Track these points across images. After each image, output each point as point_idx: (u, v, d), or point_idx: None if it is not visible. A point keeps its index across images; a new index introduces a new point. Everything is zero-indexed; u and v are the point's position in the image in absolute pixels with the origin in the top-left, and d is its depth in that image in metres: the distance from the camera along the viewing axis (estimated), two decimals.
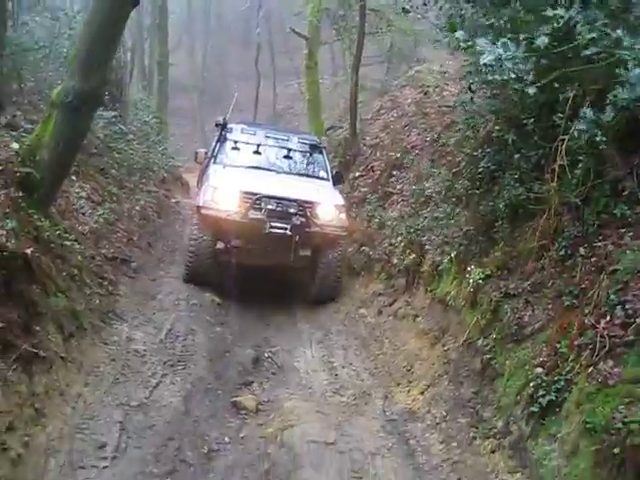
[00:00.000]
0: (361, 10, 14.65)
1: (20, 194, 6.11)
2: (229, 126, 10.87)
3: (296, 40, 21.41)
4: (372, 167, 12.80)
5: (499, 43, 3.30)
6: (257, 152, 10.37)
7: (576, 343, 4.57)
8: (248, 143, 10.56)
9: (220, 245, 9.19)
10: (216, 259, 9.29)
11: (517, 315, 5.49)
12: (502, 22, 4.86)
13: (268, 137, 10.89)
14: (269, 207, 9.04)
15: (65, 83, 6.76)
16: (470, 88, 6.90)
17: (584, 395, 4.21)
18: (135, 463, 4.85)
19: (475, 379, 5.83)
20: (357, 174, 13.25)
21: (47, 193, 6.72)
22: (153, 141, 16.84)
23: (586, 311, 4.66)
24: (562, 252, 5.34)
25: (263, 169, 10.24)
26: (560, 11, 3.54)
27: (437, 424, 5.78)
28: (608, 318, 4.41)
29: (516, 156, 6.26)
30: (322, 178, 10.71)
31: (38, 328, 5.26)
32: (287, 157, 10.70)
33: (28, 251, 5.41)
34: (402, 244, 9.09)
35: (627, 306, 4.33)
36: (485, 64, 3.41)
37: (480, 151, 7.32)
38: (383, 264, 9.66)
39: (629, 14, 3.85)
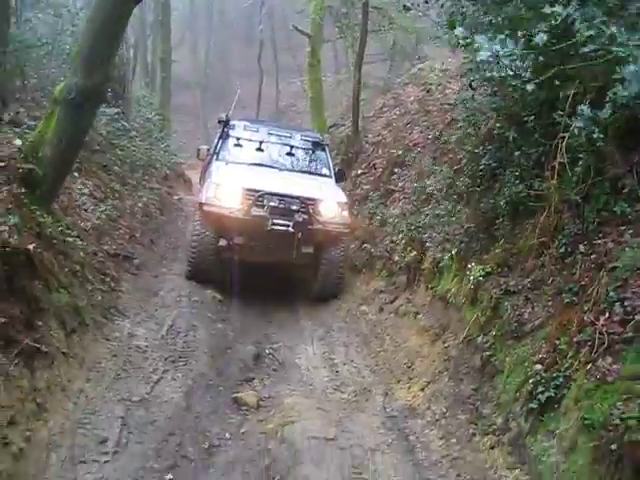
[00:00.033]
0: (364, 8, 14.68)
1: (23, 190, 6.13)
2: (232, 123, 10.88)
3: (299, 37, 21.43)
4: (374, 165, 12.81)
5: (496, 40, 3.31)
6: (260, 149, 10.36)
7: (575, 340, 4.58)
8: (251, 140, 10.54)
9: (222, 242, 9.18)
10: (218, 256, 9.28)
11: (517, 312, 5.50)
12: (500, 19, 4.86)
13: (271, 134, 10.89)
14: (271, 204, 9.02)
15: (68, 80, 6.77)
16: (471, 85, 6.91)
17: (583, 391, 4.23)
18: (136, 458, 4.88)
19: (475, 376, 5.84)
20: (359, 172, 13.28)
21: (49, 189, 6.73)
22: (156, 138, 16.85)
23: (585, 308, 4.67)
24: (562, 249, 5.34)
25: (265, 166, 10.23)
26: (558, 8, 3.55)
27: (437, 420, 5.81)
28: (607, 315, 4.42)
29: (516, 153, 6.27)
30: (325, 175, 10.70)
31: (40, 323, 5.30)
32: (290, 154, 10.67)
33: (30, 247, 5.43)
34: (403, 241, 9.12)
35: (626, 303, 4.34)
36: (482, 61, 3.43)
37: (481, 148, 7.33)
38: (384, 261, 9.68)
39: (625, 11, 3.86)
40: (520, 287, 5.68)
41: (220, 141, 10.70)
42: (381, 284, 9.47)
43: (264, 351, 7.68)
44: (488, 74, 4.11)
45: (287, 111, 34.40)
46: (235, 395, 6.37)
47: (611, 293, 4.48)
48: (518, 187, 6.13)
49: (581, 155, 5.15)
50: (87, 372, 5.83)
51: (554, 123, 5.30)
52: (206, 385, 6.45)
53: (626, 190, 4.94)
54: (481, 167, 7.21)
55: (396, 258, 9.15)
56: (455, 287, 7.07)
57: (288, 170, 10.40)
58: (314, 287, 9.84)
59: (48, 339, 5.35)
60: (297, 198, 9.20)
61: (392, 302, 8.80)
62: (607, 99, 4.02)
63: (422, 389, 6.44)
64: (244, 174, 9.73)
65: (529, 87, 3.71)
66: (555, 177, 5.35)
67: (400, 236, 9.30)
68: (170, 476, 4.79)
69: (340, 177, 11.03)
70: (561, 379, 4.53)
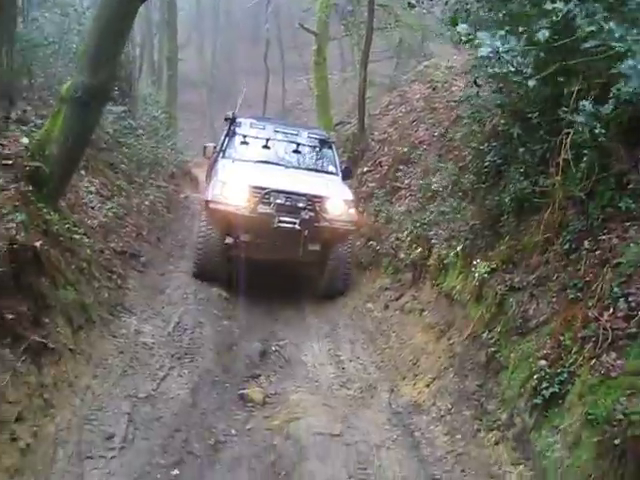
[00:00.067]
0: (369, 5, 14.66)
1: (30, 188, 6.15)
2: (238, 120, 10.86)
3: (305, 36, 21.43)
4: (380, 162, 12.81)
5: (497, 36, 3.32)
6: (266, 146, 10.37)
7: (579, 336, 4.58)
8: (257, 137, 10.56)
9: (229, 240, 9.18)
10: (225, 254, 9.28)
11: (522, 308, 5.50)
12: (500, 15, 4.86)
13: (277, 131, 10.89)
14: (278, 201, 9.02)
15: (74, 78, 6.80)
16: (475, 82, 6.91)
17: (586, 387, 4.24)
18: (142, 454, 4.90)
19: (480, 372, 5.85)
20: (365, 169, 13.27)
21: (56, 187, 6.76)
22: (162, 136, 16.90)
23: (590, 304, 4.67)
24: (567, 246, 5.33)
25: (272, 163, 10.26)
26: (559, 4, 3.56)
27: (442, 417, 5.82)
28: (611, 311, 4.42)
29: (521, 150, 6.25)
30: (331, 173, 10.71)
31: (47, 320, 5.33)
32: (296, 152, 10.67)
33: (37, 244, 5.46)
34: (409, 239, 9.13)
35: (630, 299, 4.34)
36: (482, 57, 3.44)
37: (486, 145, 7.32)
38: (390, 259, 9.69)
39: (625, 7, 3.87)
40: (525, 283, 5.68)
41: (226, 139, 10.69)
42: (387, 281, 9.47)
43: (270, 348, 7.71)
44: (490, 70, 4.11)
45: (293, 109, 34.34)
46: (241, 392, 6.40)
47: (615, 289, 4.48)
48: (523, 184, 6.11)
49: (585, 151, 5.14)
50: (94, 368, 5.86)
51: (558, 119, 5.30)
52: (212, 382, 6.48)
53: (631, 186, 4.92)
54: (486, 164, 7.20)
55: (402, 255, 9.16)
56: (460, 284, 7.08)
57: (294, 168, 10.40)
58: (321, 285, 9.84)
59: (55, 336, 5.38)
60: (304, 195, 9.20)
61: (398, 299, 8.81)
62: (611, 95, 4.02)
63: (427, 385, 6.45)
64: (250, 171, 9.73)
65: (531, 83, 3.73)
66: (560, 173, 5.34)
67: (405, 233, 9.30)
68: (176, 472, 4.82)
69: (347, 175, 11.03)
70: (565, 375, 4.53)
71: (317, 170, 10.66)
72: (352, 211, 9.59)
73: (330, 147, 11.22)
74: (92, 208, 8.65)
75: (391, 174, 11.72)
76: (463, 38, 3.71)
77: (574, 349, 4.59)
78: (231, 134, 10.68)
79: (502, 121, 6.96)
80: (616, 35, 3.27)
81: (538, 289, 5.49)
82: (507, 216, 6.49)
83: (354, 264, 10.21)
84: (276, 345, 7.83)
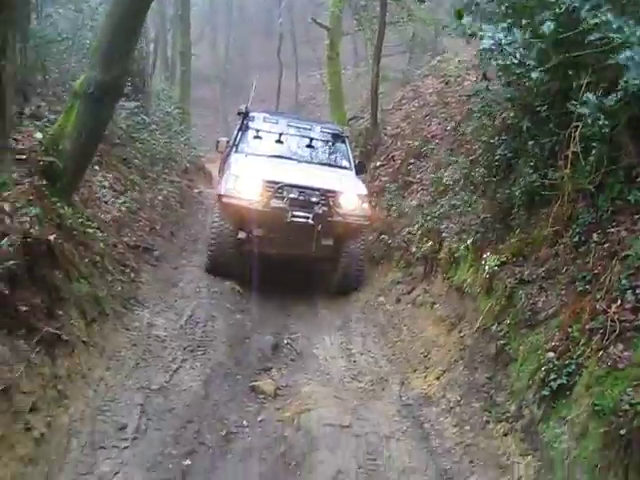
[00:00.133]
0: (382, 0, 14.64)
1: (43, 182, 6.24)
2: (251, 114, 10.85)
3: (318, 30, 21.41)
4: (393, 156, 12.83)
5: (499, 28, 3.34)
6: (279, 141, 10.31)
7: (587, 328, 4.60)
8: (270, 132, 10.49)
9: (242, 234, 9.14)
10: (238, 249, 9.25)
11: (531, 301, 5.52)
12: (504, 8, 4.87)
13: (290, 126, 10.85)
14: (291, 196, 9.00)
15: (87, 74, 6.86)
16: (485, 76, 6.91)
17: (594, 378, 4.26)
18: (155, 444, 4.97)
19: (489, 364, 5.87)
20: (378, 164, 13.29)
21: (70, 182, 6.83)
22: (175, 131, 16.93)
23: (598, 296, 4.69)
24: (576, 238, 5.35)
25: (285, 158, 10.21)
26: None
27: (451, 408, 5.85)
28: (619, 303, 4.44)
29: (531, 143, 6.26)
30: (345, 167, 10.67)
31: (61, 313, 5.38)
32: (309, 146, 10.64)
33: (51, 237, 5.51)
34: (420, 232, 9.14)
35: (638, 291, 4.37)
36: (485, 49, 3.46)
37: (497, 139, 7.32)
38: (402, 252, 9.69)
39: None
40: (534, 276, 5.70)
41: (239, 133, 10.69)
42: (398, 275, 9.49)
43: (282, 341, 7.74)
44: (493, 62, 4.13)
45: (306, 104, 34.38)
46: (253, 384, 6.44)
47: (623, 281, 4.50)
48: (532, 177, 6.12)
49: (594, 144, 5.15)
50: (107, 361, 5.93)
51: (567, 112, 5.30)
52: (224, 374, 6.52)
53: None
54: (497, 157, 7.21)
55: (413, 249, 9.17)
56: (471, 277, 7.10)
57: (308, 162, 10.39)
58: (334, 280, 9.81)
59: (69, 328, 5.43)
60: (317, 190, 9.17)
61: (409, 293, 8.83)
62: (619, 87, 4.03)
63: (437, 378, 6.48)
64: (263, 166, 9.70)
65: (534, 75, 3.74)
66: (569, 166, 5.35)
67: (417, 227, 9.32)
68: (188, 462, 4.88)
69: (360, 169, 11.01)
70: (573, 366, 4.55)
71: (330, 165, 10.64)
72: (366, 206, 9.55)
73: (343, 141, 11.15)
74: (105, 202, 8.73)
75: (403, 168, 11.73)
76: (467, 31, 3.73)
77: (582, 341, 4.61)
78: (244, 128, 10.67)
79: (512, 115, 6.98)
80: (614, 26, 3.28)
81: (547, 282, 5.51)
82: (517, 209, 6.51)
83: (367, 258, 10.21)
84: (288, 338, 7.86)
